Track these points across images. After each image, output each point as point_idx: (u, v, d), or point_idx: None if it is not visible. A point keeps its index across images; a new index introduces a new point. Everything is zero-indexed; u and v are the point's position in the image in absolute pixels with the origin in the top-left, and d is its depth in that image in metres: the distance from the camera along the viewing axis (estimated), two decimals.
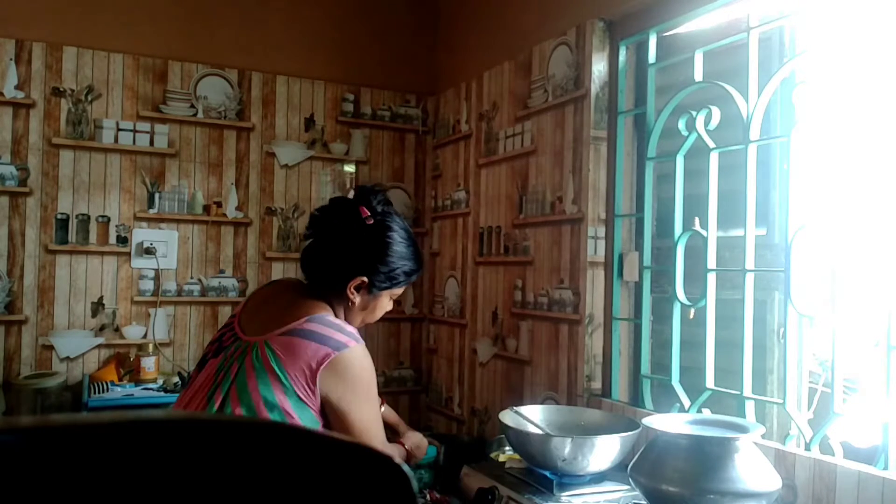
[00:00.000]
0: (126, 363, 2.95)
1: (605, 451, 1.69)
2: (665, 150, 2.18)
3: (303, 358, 1.34)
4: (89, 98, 3.00)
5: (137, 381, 2.85)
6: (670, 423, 1.58)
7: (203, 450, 0.40)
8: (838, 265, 1.63)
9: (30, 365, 2.90)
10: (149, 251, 3.05)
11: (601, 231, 2.38)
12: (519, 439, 1.79)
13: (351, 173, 3.48)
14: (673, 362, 2.03)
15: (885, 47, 1.60)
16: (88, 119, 3.00)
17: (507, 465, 1.93)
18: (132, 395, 2.72)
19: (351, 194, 1.57)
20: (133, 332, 3.05)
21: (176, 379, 2.83)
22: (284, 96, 3.35)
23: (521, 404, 2.11)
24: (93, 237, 3.01)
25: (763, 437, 1.64)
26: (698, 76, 2.03)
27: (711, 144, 1.95)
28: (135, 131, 3.07)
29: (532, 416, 1.90)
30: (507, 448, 2.03)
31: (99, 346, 3.01)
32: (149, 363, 2.88)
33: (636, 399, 2.26)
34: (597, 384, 2.36)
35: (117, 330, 3.04)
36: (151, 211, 3.10)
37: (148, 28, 3.10)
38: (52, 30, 2.94)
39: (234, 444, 0.42)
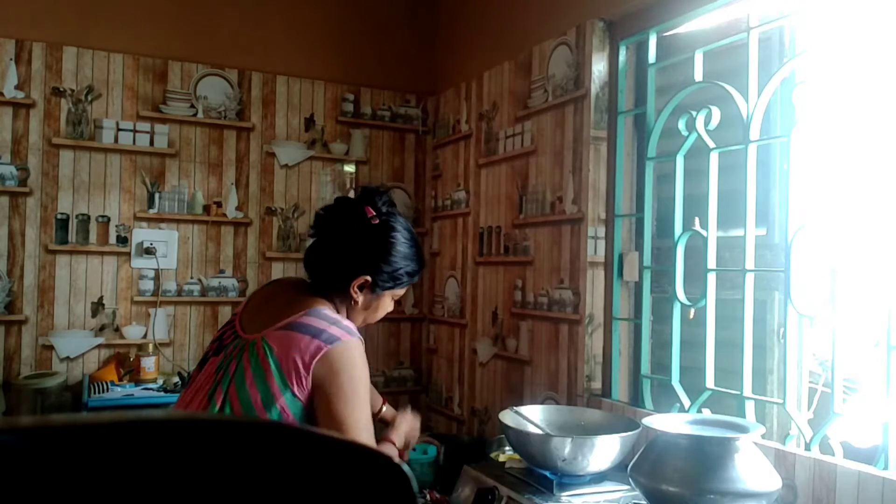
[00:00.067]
0: (126, 363, 2.95)
1: (605, 451, 1.69)
2: (665, 150, 2.18)
3: (296, 350, 1.35)
4: (89, 98, 3.00)
5: (137, 381, 2.85)
6: (670, 423, 1.58)
7: (203, 450, 0.40)
8: (838, 265, 1.63)
9: (30, 365, 2.90)
10: (149, 251, 3.05)
11: (601, 231, 2.38)
12: (519, 439, 1.79)
13: (351, 173, 3.48)
14: (673, 362, 2.03)
15: (886, 47, 1.60)
16: (88, 119, 3.00)
17: (507, 465, 1.93)
18: (132, 395, 2.72)
19: (351, 194, 1.58)
20: (133, 332, 3.05)
21: (176, 379, 2.83)
22: (284, 96, 3.35)
23: (521, 404, 2.11)
24: (93, 237, 3.01)
25: (763, 437, 1.64)
26: (698, 76, 2.03)
27: (711, 144, 1.95)
28: (135, 131, 3.07)
29: (532, 416, 1.90)
30: (507, 448, 2.03)
31: (99, 346, 3.01)
32: (149, 363, 2.88)
33: (636, 399, 2.26)
34: (597, 384, 2.36)
35: (117, 330, 3.04)
36: (151, 211, 3.10)
37: (148, 28, 3.10)
38: (52, 30, 2.94)
39: (234, 444, 0.42)
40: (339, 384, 1.35)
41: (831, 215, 1.66)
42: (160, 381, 2.86)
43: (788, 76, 1.79)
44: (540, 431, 1.84)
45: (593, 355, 2.36)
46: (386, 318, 1.64)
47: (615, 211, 2.35)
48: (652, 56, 2.23)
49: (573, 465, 1.69)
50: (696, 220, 1.98)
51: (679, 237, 2.02)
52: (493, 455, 2.07)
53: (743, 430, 1.50)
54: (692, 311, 1.99)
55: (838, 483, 1.49)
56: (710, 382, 1.91)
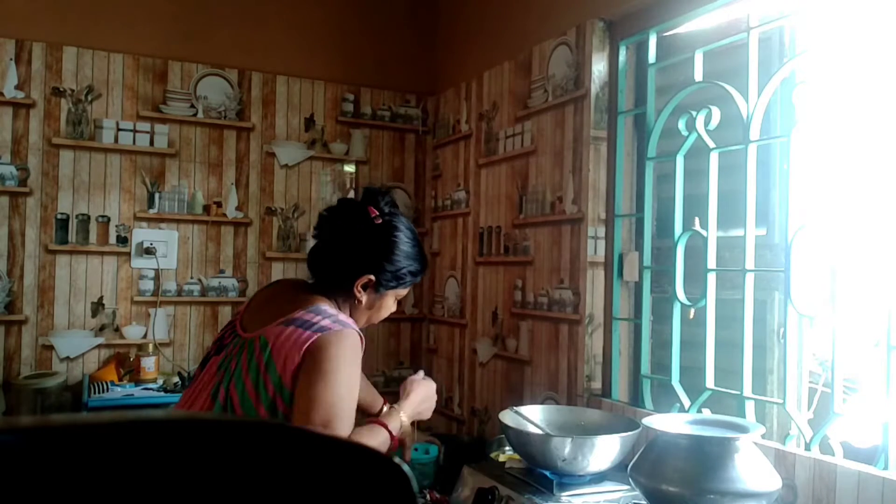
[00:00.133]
0: (126, 363, 2.95)
1: (605, 451, 1.69)
2: (665, 150, 2.18)
3: (291, 343, 1.35)
4: (89, 98, 3.00)
5: (137, 381, 2.85)
6: (670, 423, 1.58)
7: (203, 450, 0.40)
8: (838, 265, 1.62)
9: (30, 365, 2.90)
10: (149, 251, 3.05)
11: (601, 231, 2.37)
12: (519, 439, 1.79)
13: (351, 173, 3.48)
14: (673, 362, 2.03)
15: (886, 47, 1.60)
16: (88, 119, 3.00)
17: (507, 465, 1.92)
18: (132, 395, 2.72)
19: (351, 194, 1.59)
20: (133, 332, 3.05)
21: (176, 379, 2.83)
22: (284, 96, 3.35)
23: (521, 404, 2.11)
24: (93, 237, 3.01)
25: (763, 437, 1.64)
26: (698, 76, 2.03)
27: (711, 144, 1.95)
28: (135, 131, 3.07)
29: (532, 416, 1.90)
30: (507, 448, 2.03)
31: (99, 346, 3.01)
32: (149, 363, 2.88)
33: (636, 399, 2.26)
34: (597, 384, 2.36)
35: (117, 330, 3.04)
36: (151, 211, 3.10)
37: (148, 28, 3.10)
38: (52, 30, 2.94)
39: (234, 445, 0.42)
40: (320, 362, 1.33)
41: (831, 215, 1.66)
42: (160, 381, 2.86)
43: (788, 76, 1.79)
44: (540, 431, 1.84)
45: (593, 355, 2.36)
46: (386, 318, 1.65)
47: (615, 211, 2.35)
48: (652, 56, 2.23)
49: (573, 465, 1.69)
50: (696, 220, 1.98)
51: (679, 237, 2.02)
52: (493, 455, 2.07)
53: (743, 430, 1.50)
54: (692, 311, 1.99)
55: (838, 483, 1.49)
56: (710, 382, 1.91)
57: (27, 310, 2.90)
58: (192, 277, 3.17)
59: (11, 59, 2.88)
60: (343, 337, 1.38)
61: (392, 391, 3.44)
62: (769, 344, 1.90)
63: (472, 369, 3.09)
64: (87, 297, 3.00)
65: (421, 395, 1.65)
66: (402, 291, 1.58)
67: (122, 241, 3.05)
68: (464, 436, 3.02)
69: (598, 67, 2.38)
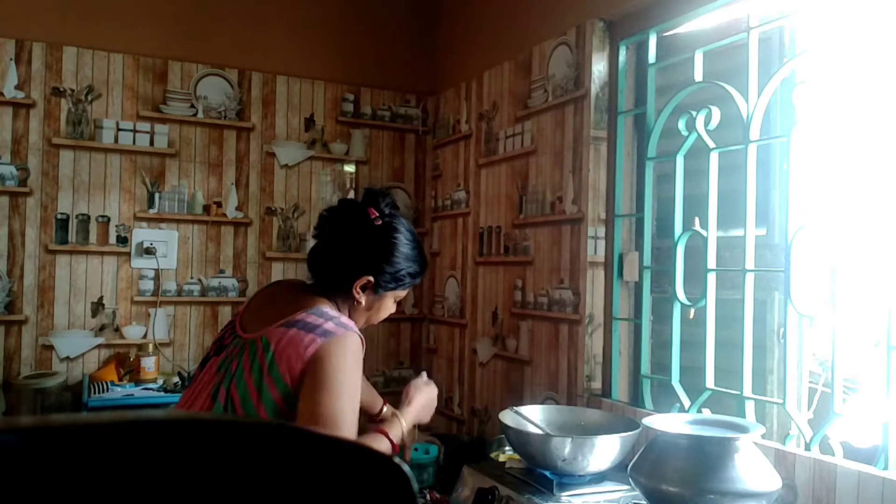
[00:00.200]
0: (126, 363, 2.95)
1: (605, 451, 1.69)
2: (665, 150, 2.18)
3: (293, 346, 1.35)
4: (89, 98, 3.00)
5: (137, 381, 2.85)
6: (670, 423, 1.58)
7: (203, 450, 0.40)
8: (838, 265, 1.62)
9: (30, 365, 2.90)
10: (149, 251, 3.05)
11: (601, 231, 2.38)
12: (519, 439, 1.79)
13: (351, 173, 3.48)
14: (673, 362, 2.03)
15: (886, 47, 1.60)
16: (88, 119, 3.00)
17: (507, 465, 1.93)
18: (132, 395, 2.72)
19: (351, 194, 1.59)
20: (133, 332, 3.05)
21: (176, 379, 2.83)
22: (284, 96, 3.35)
23: (521, 404, 2.11)
24: (93, 237, 3.01)
25: (763, 437, 1.64)
26: (698, 76, 2.03)
27: (711, 144, 1.95)
28: (135, 131, 3.07)
29: (532, 416, 1.90)
30: (507, 448, 2.03)
31: (99, 346, 3.01)
32: (149, 363, 2.88)
33: (636, 399, 2.26)
34: (597, 384, 2.36)
35: (117, 330, 3.04)
36: (151, 211, 3.10)
37: (148, 28, 3.10)
38: (52, 30, 2.94)
39: (234, 445, 0.42)
40: (323, 372, 1.33)
41: (831, 215, 1.66)
42: (160, 381, 2.86)
43: (788, 76, 1.79)
44: (540, 431, 1.84)
45: (593, 355, 2.36)
46: (386, 318, 1.65)
47: (615, 211, 2.35)
48: (652, 56, 2.23)
49: (573, 465, 1.69)
50: (696, 220, 1.98)
51: (679, 237, 2.02)
52: (493, 455, 2.07)
53: (743, 430, 1.50)
54: (692, 311, 1.99)
55: (838, 483, 1.49)
56: (710, 382, 1.91)
57: (27, 310, 2.90)
58: (192, 277, 3.17)
59: (11, 59, 2.88)
60: (345, 343, 1.38)
61: (392, 391, 3.45)
62: (769, 344, 1.91)
63: (472, 369, 3.09)
64: (87, 297, 3.00)
65: (422, 402, 1.68)
66: (402, 293, 1.58)
67: (122, 241, 3.05)
68: (464, 436, 3.02)
69: (598, 67, 2.38)
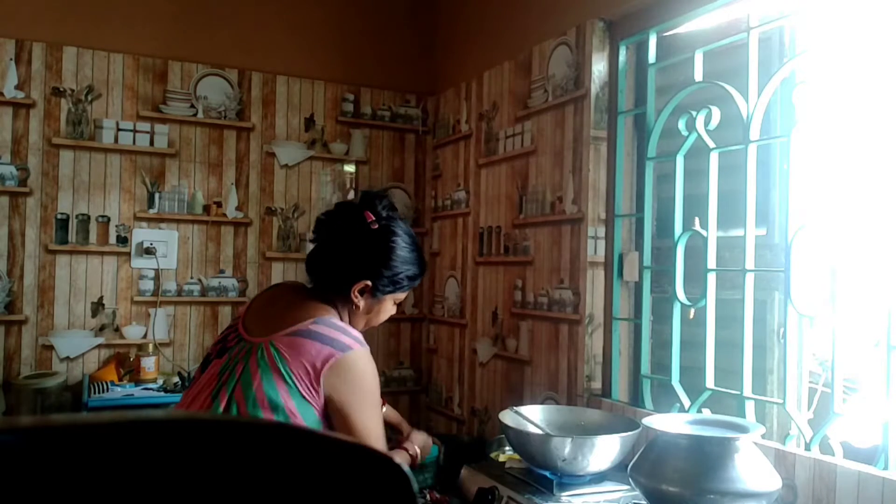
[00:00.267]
0: (126, 363, 2.95)
1: (605, 451, 1.69)
2: (665, 150, 2.18)
3: (307, 357, 1.35)
4: (89, 98, 3.00)
5: (137, 381, 2.85)
6: (670, 423, 1.58)
7: (203, 450, 0.40)
8: (838, 265, 1.63)
9: (30, 365, 2.90)
10: (149, 251, 3.05)
11: (601, 231, 2.38)
12: (519, 439, 1.79)
13: (351, 173, 3.48)
14: (673, 362, 2.03)
15: (886, 47, 1.60)
16: (88, 119, 3.00)
17: (507, 465, 1.93)
18: (132, 395, 2.72)
19: (351, 195, 1.59)
20: (133, 332, 3.05)
21: (176, 379, 2.83)
22: (284, 96, 3.35)
23: (521, 404, 2.11)
24: (93, 237, 3.01)
25: (763, 437, 1.64)
26: (698, 76, 2.03)
27: (711, 144, 1.95)
28: (135, 131, 3.07)
29: (532, 416, 1.90)
30: (507, 448, 2.03)
31: (99, 346, 3.01)
32: (149, 363, 2.88)
33: (636, 399, 2.26)
34: (597, 384, 2.36)
35: (117, 330, 3.04)
36: (151, 211, 3.10)
37: (148, 28, 3.10)
38: (52, 30, 2.94)
39: (234, 445, 0.42)
40: (352, 394, 1.38)
41: (831, 215, 1.66)
42: (160, 381, 2.86)
43: (788, 76, 1.79)
44: (540, 431, 1.84)
45: (593, 355, 2.36)
46: (386, 319, 1.65)
47: (615, 211, 2.35)
48: (652, 56, 2.23)
49: (573, 465, 1.69)
50: (696, 220, 1.98)
51: (679, 237, 2.02)
52: (493, 455, 2.07)
53: (743, 430, 1.50)
54: (692, 311, 1.99)
55: (838, 483, 1.49)
56: (710, 382, 1.91)
57: (27, 310, 2.90)
58: (192, 277, 3.17)
59: (11, 59, 2.88)
60: (363, 357, 1.41)
61: (392, 391, 3.45)
62: (769, 344, 1.91)
63: (472, 369, 3.09)
64: (87, 297, 3.00)
65: (422, 441, 1.82)
66: (401, 295, 1.58)
67: (122, 241, 3.05)
68: (464, 436, 3.02)
69: (598, 67, 2.38)
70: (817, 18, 1.77)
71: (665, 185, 2.22)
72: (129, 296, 3.06)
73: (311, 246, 1.58)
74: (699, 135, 1.97)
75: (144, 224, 3.09)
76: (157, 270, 3.09)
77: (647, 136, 2.19)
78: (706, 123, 1.96)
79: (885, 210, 1.57)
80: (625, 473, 1.59)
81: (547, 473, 1.76)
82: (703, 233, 1.94)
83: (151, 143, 3.09)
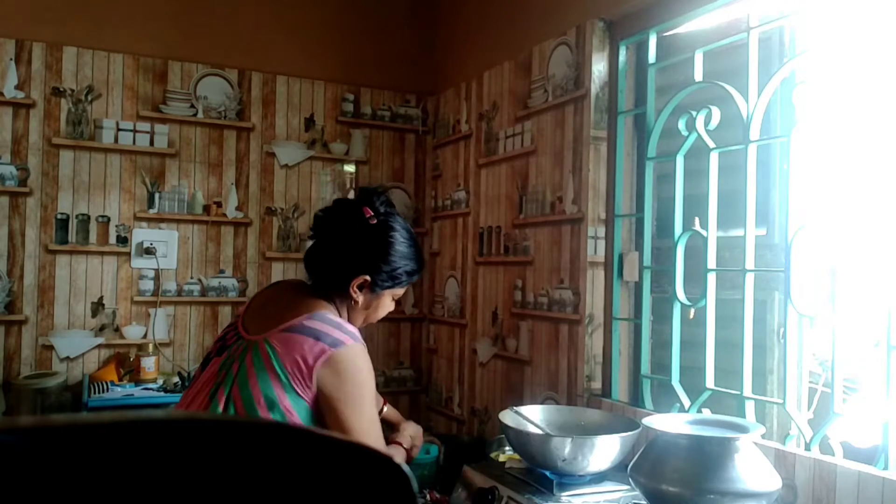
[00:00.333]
0: (126, 363, 2.95)
1: (605, 451, 1.69)
2: (665, 150, 2.18)
3: (299, 352, 1.35)
4: (89, 98, 3.00)
5: (137, 381, 2.85)
6: (670, 423, 1.58)
7: (203, 450, 0.40)
8: (838, 265, 1.63)
9: (30, 365, 2.90)
10: (149, 251, 3.05)
11: (601, 231, 2.38)
12: (519, 439, 1.79)
13: (351, 173, 3.48)
14: (673, 362, 2.03)
15: (886, 47, 1.60)
16: (88, 119, 3.00)
17: (507, 465, 1.92)
18: (132, 395, 2.72)
19: (351, 194, 1.59)
20: (133, 332, 3.05)
21: (176, 379, 2.83)
22: (284, 96, 3.35)
23: (521, 404, 2.10)
24: (93, 237, 3.01)
25: (763, 437, 1.64)
26: (698, 76, 2.03)
27: (711, 144, 1.95)
28: (135, 131, 3.07)
29: (532, 416, 1.90)
30: (507, 448, 2.03)
31: (99, 346, 3.01)
32: (149, 363, 2.88)
33: (636, 399, 2.26)
34: (597, 384, 2.36)
35: (117, 330, 3.04)
36: (151, 211, 3.10)
37: (148, 28, 3.10)
38: (52, 30, 2.94)
39: (234, 444, 0.42)
40: (345, 390, 1.37)
41: (831, 215, 1.66)
42: (160, 381, 2.86)
43: (788, 76, 1.79)
44: (540, 431, 1.84)
45: (593, 355, 2.36)
46: (386, 318, 1.65)
47: (615, 211, 2.35)
48: (652, 56, 2.23)
49: (573, 465, 1.69)
50: (696, 220, 1.98)
51: (679, 237, 2.02)
52: (493, 455, 2.07)
53: (743, 430, 1.50)
54: (692, 311, 1.99)
55: (838, 483, 1.49)
56: (710, 382, 1.91)
57: (27, 310, 2.90)
58: (192, 277, 3.17)
59: (11, 59, 2.88)
60: (357, 352, 1.40)
61: (392, 391, 3.45)
62: (769, 344, 1.91)
63: (472, 369, 3.09)
64: (87, 297, 3.00)
65: (413, 431, 1.80)
66: (399, 291, 1.58)
67: (122, 241, 3.05)
68: (464, 436, 3.02)
69: (598, 67, 2.38)
70: (817, 18, 1.77)
71: (665, 185, 2.22)
72: (129, 296, 3.06)
73: (310, 244, 1.58)
74: (699, 135, 1.97)
75: (144, 224, 3.09)
76: (157, 270, 3.09)
77: (647, 136, 2.19)
78: (706, 123, 1.96)
79: (885, 210, 1.57)
80: (625, 473, 1.59)
81: (547, 473, 1.76)
82: (703, 233, 1.94)
83: (151, 143, 3.09)
